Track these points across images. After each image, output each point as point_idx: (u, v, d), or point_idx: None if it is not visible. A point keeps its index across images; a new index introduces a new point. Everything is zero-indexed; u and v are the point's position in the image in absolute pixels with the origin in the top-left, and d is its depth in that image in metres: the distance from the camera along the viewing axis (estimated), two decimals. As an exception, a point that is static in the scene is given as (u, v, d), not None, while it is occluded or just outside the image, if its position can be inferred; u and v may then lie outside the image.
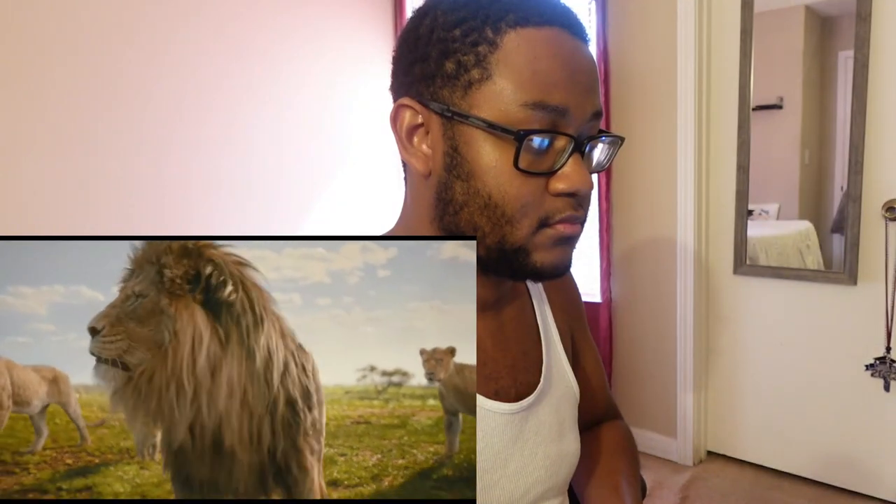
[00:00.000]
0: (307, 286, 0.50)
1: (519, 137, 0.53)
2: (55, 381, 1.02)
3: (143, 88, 2.23)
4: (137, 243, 0.47)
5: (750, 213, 2.27)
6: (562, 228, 0.57)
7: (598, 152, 0.61)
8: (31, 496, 0.69)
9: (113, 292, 0.47)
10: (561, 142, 0.55)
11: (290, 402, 0.50)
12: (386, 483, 0.71)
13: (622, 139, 0.61)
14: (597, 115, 0.57)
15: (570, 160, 0.55)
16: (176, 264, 0.47)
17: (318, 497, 0.52)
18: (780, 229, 2.28)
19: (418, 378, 0.71)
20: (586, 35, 0.58)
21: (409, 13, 3.05)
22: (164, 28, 2.29)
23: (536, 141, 0.54)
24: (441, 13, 0.57)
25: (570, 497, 0.76)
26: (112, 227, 2.17)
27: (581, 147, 0.56)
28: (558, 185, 0.56)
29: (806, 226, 2.22)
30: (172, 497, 0.50)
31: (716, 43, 2.28)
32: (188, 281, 0.47)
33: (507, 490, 0.64)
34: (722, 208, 2.33)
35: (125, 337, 0.45)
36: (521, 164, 0.54)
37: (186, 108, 2.36)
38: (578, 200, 0.57)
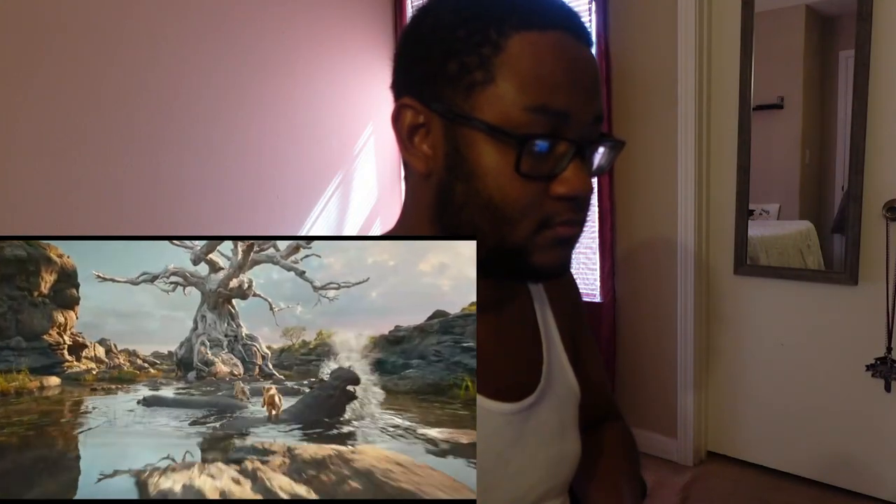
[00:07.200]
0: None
1: (520, 142, 0.53)
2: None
3: (141, 89, 2.23)
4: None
5: (750, 213, 2.27)
6: (561, 230, 0.57)
7: (599, 156, 0.61)
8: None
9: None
10: (562, 146, 0.55)
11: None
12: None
13: (623, 143, 0.61)
14: (598, 119, 0.57)
15: (571, 164, 0.55)
16: None
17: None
18: (781, 229, 2.28)
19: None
20: (590, 38, 0.58)
21: (409, 13, 3.05)
22: (161, 28, 2.29)
23: (538, 145, 0.54)
24: (444, 12, 0.57)
25: (571, 497, 0.76)
26: (110, 228, 2.17)
27: (582, 151, 0.56)
28: (559, 188, 0.56)
29: (806, 226, 2.21)
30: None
31: (716, 43, 2.27)
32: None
33: (508, 491, 0.64)
34: (722, 208, 2.33)
35: None
36: (523, 169, 0.54)
37: (184, 110, 2.36)
38: (578, 203, 0.57)
